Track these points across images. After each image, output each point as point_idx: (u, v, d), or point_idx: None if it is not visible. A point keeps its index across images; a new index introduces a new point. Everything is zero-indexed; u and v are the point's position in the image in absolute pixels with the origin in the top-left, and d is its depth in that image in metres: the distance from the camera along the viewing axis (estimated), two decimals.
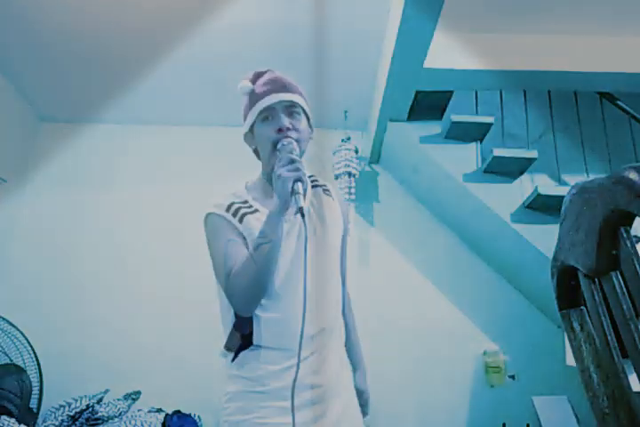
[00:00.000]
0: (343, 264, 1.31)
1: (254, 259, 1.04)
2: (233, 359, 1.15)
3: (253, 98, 1.17)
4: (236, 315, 1.15)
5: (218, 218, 1.16)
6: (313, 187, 1.26)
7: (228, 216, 1.15)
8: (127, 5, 2.46)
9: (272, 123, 1.14)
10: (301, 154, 1.15)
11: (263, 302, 1.11)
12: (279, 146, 1.10)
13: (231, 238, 1.12)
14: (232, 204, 1.17)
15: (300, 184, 1.03)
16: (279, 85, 1.17)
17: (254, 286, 1.06)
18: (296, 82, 1.24)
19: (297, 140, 1.12)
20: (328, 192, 1.28)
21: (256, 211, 1.16)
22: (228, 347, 1.17)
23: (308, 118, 1.22)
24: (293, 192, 1.01)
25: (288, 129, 1.12)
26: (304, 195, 1.04)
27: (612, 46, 2.73)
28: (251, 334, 1.12)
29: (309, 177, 1.25)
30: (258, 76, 1.21)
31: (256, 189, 1.23)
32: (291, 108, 1.16)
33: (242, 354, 1.14)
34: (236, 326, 1.15)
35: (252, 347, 1.12)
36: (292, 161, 1.05)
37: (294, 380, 0.97)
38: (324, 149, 3.28)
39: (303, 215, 0.99)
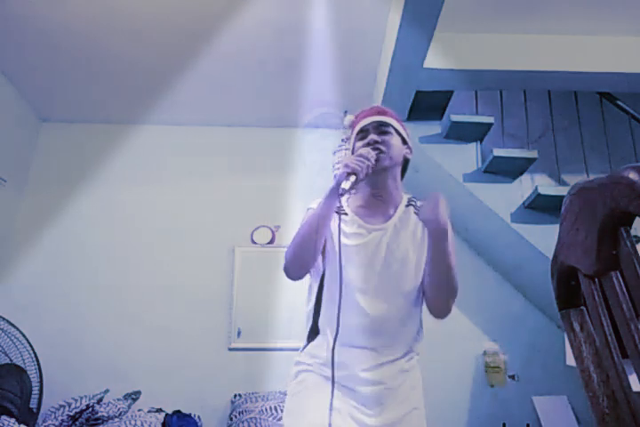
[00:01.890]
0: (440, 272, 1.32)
1: (301, 225, 1.23)
2: None
3: (354, 125, 1.38)
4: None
5: (309, 210, 1.32)
6: (406, 206, 1.35)
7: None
8: (127, 6, 2.46)
9: (365, 140, 1.31)
10: (393, 169, 1.32)
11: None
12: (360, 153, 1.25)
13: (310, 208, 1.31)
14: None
15: (352, 175, 1.17)
16: (373, 111, 1.35)
17: (293, 250, 1.22)
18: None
19: (384, 153, 1.27)
20: (417, 209, 1.35)
21: (345, 214, 1.32)
22: None
23: (402, 138, 1.35)
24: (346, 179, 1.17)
25: (376, 142, 1.28)
26: (353, 185, 1.18)
27: (611, 46, 2.73)
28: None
29: (409, 199, 1.37)
30: (360, 113, 1.40)
31: (355, 199, 1.38)
32: (381, 127, 1.31)
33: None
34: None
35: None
36: (360, 156, 1.20)
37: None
38: (324, 149, 3.28)
39: (341, 195, 1.18)
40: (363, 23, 2.57)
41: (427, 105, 2.92)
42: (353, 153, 1.34)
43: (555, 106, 3.00)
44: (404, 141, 1.36)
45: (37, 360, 2.73)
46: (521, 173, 2.83)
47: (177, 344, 3.04)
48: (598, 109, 2.97)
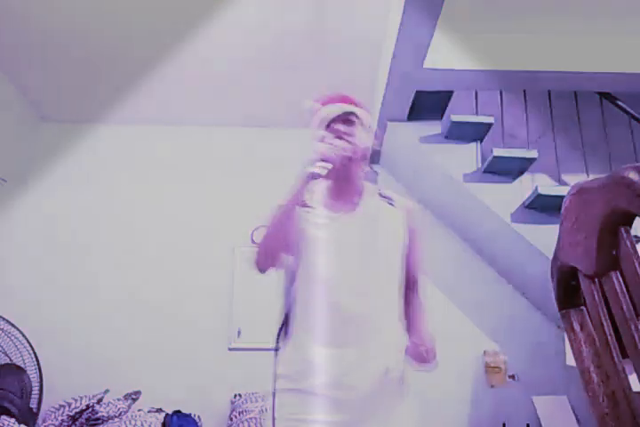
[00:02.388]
0: (410, 271, 1.32)
1: (271, 215, 1.21)
2: None
3: (316, 113, 1.34)
4: None
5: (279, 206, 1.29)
6: (373, 195, 1.35)
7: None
8: (128, 5, 2.46)
9: (329, 129, 1.28)
10: (358, 159, 1.30)
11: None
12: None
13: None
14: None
15: (322, 164, 1.17)
16: (337, 99, 1.33)
17: (264, 240, 1.22)
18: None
19: (350, 143, 1.25)
20: (391, 202, 1.34)
21: (311, 207, 1.28)
22: None
23: (367, 126, 1.34)
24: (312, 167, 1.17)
25: (342, 132, 1.26)
26: (327, 172, 1.18)
27: (612, 46, 2.73)
28: None
29: (375, 188, 1.37)
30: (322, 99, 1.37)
31: (320, 190, 1.36)
32: (347, 117, 1.29)
33: None
34: None
35: None
36: (332, 144, 1.20)
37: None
38: None
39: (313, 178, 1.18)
40: (363, 23, 2.57)
41: (427, 105, 2.92)
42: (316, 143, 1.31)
43: (555, 106, 3.00)
44: (369, 132, 1.35)
45: (37, 360, 2.73)
46: (521, 173, 2.83)
47: (177, 344, 3.04)
48: (598, 109, 2.97)
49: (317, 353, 1.16)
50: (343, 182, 1.31)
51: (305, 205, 1.26)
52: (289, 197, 1.19)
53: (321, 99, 1.36)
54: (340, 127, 1.27)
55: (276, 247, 1.22)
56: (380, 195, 1.35)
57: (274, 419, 1.18)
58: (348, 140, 1.24)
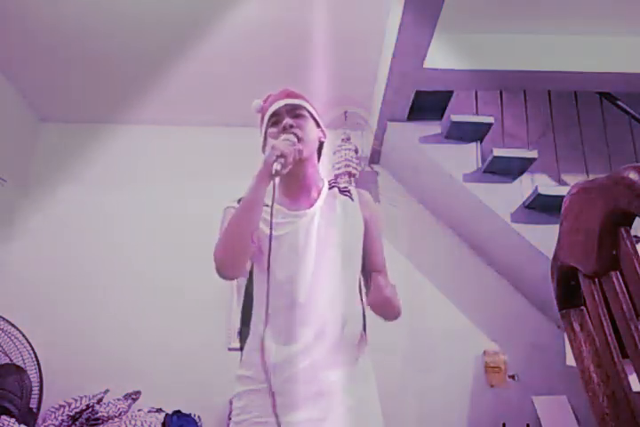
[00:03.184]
0: (374, 256, 1.30)
1: (230, 219, 1.16)
2: None
3: (263, 110, 1.30)
4: None
5: (229, 209, 1.30)
6: (330, 188, 1.31)
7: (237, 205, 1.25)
8: (128, 5, 2.46)
9: (278, 125, 1.24)
10: (310, 154, 1.26)
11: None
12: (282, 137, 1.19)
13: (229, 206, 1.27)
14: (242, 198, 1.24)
15: (280, 160, 1.11)
16: (283, 94, 1.29)
17: (224, 246, 1.14)
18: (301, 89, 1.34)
19: (300, 138, 1.20)
20: (347, 193, 1.31)
21: (267, 205, 1.21)
22: None
23: (315, 121, 1.30)
24: (275, 160, 1.11)
25: (291, 126, 1.21)
26: (284, 168, 1.12)
27: (611, 46, 2.73)
28: None
29: (330, 181, 1.34)
30: (268, 96, 1.34)
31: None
32: (294, 111, 1.25)
33: None
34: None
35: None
36: (287, 140, 1.16)
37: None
38: (324, 149, 3.28)
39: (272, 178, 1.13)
40: (363, 23, 2.57)
41: (427, 105, 2.92)
42: (265, 139, 1.29)
43: (555, 106, 3.00)
44: (318, 124, 1.31)
45: (37, 360, 2.73)
46: (521, 173, 2.83)
47: (177, 344, 3.04)
48: (598, 109, 2.97)
49: (275, 352, 1.14)
50: (298, 178, 1.27)
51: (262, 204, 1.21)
52: (250, 197, 1.15)
53: (267, 97, 1.32)
54: (289, 121, 1.22)
55: (243, 250, 1.15)
56: (339, 189, 1.32)
57: (235, 423, 1.18)
58: (296, 134, 1.20)
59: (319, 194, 1.28)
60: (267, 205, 1.19)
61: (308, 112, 1.28)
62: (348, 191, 1.33)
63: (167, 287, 3.16)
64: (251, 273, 1.25)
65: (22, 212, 3.29)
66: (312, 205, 1.25)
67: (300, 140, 1.19)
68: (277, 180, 1.20)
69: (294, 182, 1.27)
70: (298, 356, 1.13)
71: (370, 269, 1.29)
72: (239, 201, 1.24)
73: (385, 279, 1.26)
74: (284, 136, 1.18)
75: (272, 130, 1.25)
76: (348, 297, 1.23)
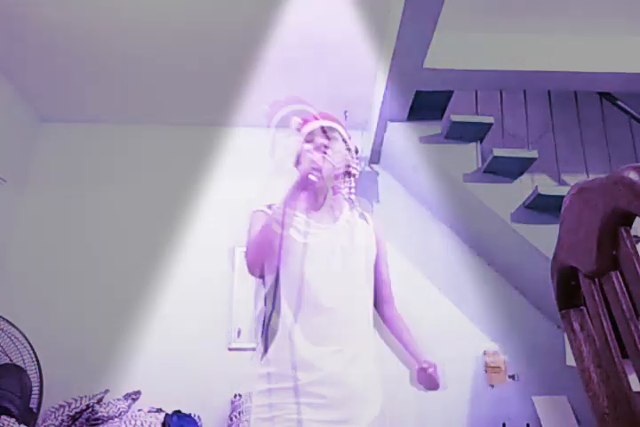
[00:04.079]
0: (383, 285, 1.42)
1: (265, 223, 1.26)
2: None
3: (301, 127, 1.43)
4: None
5: (258, 212, 1.39)
6: (350, 209, 1.44)
7: (267, 210, 1.37)
8: (128, 5, 2.46)
9: (312, 143, 1.36)
10: (337, 173, 1.38)
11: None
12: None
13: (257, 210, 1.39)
14: (272, 204, 1.37)
15: (316, 173, 1.22)
16: (320, 116, 1.43)
17: (256, 247, 1.26)
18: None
19: (330, 157, 1.32)
20: (363, 216, 1.44)
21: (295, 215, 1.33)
22: None
23: (346, 144, 1.42)
24: (310, 177, 1.22)
25: (324, 146, 1.34)
26: (318, 181, 1.23)
27: (612, 46, 2.73)
28: None
29: (350, 203, 1.46)
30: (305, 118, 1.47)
31: (302, 201, 1.41)
32: (328, 132, 1.38)
33: None
34: None
35: None
36: (323, 158, 1.27)
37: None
38: None
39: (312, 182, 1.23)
40: (363, 23, 2.57)
41: (427, 105, 2.92)
42: (300, 155, 1.38)
43: (555, 106, 3.00)
44: (348, 147, 1.43)
45: (37, 360, 2.73)
46: (521, 173, 2.83)
47: (177, 344, 3.04)
48: (598, 109, 2.97)
49: (303, 351, 1.19)
50: (325, 195, 1.39)
51: (292, 212, 1.30)
52: (288, 200, 1.24)
53: (304, 117, 1.45)
54: (323, 141, 1.35)
55: (272, 251, 1.25)
56: (352, 207, 1.44)
57: (264, 420, 1.19)
58: (329, 154, 1.32)
59: (341, 213, 1.40)
60: (296, 214, 1.31)
61: (340, 135, 1.40)
62: (363, 214, 1.45)
63: (168, 287, 3.17)
64: (277, 276, 1.31)
65: (22, 212, 3.29)
66: (336, 222, 1.37)
67: (329, 159, 1.30)
68: (307, 194, 1.35)
69: (322, 198, 1.39)
70: (325, 357, 1.20)
71: (381, 297, 1.41)
72: (269, 207, 1.37)
73: (400, 316, 1.46)
74: (317, 154, 1.29)
75: (306, 146, 1.35)
76: (363, 305, 1.33)
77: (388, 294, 1.44)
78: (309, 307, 1.23)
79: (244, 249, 1.31)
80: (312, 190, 1.33)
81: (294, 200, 1.25)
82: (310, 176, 1.21)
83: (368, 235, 1.40)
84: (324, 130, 1.37)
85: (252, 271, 1.29)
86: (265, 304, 1.30)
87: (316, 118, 1.41)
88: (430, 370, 1.36)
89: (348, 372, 1.21)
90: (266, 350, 1.24)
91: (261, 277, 1.31)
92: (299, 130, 1.42)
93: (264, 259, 1.27)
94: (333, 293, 1.25)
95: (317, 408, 1.16)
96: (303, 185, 1.24)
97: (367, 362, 1.28)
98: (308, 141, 1.37)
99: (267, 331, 1.26)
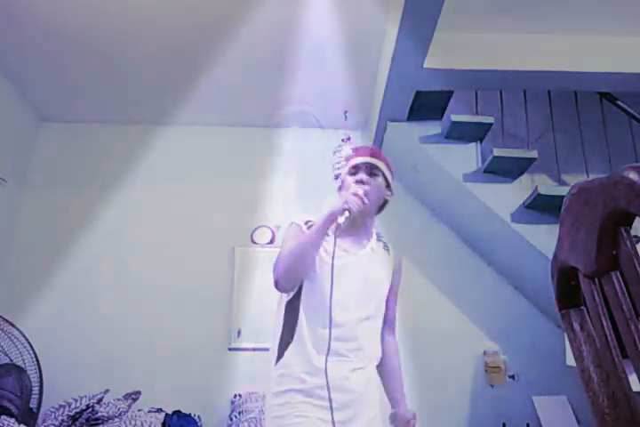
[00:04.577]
0: (389, 311, 1.54)
1: (296, 245, 1.39)
2: None
3: (350, 159, 1.57)
4: None
5: (295, 225, 1.50)
6: (377, 240, 1.56)
7: (303, 226, 1.49)
8: (128, 5, 2.46)
9: (355, 176, 1.50)
10: (374, 208, 1.51)
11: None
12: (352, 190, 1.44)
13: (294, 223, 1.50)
14: (309, 221, 1.49)
15: (347, 211, 1.36)
16: (368, 152, 1.55)
17: (287, 267, 1.38)
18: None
19: (367, 194, 1.42)
20: (387, 247, 1.58)
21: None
22: None
23: (387, 181, 1.54)
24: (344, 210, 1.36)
25: (364, 183, 1.46)
26: (346, 220, 1.37)
27: (612, 46, 2.73)
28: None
29: (377, 234, 1.58)
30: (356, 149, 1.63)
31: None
32: (371, 169, 1.50)
33: None
34: None
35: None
36: (356, 194, 1.39)
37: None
38: (324, 149, 3.28)
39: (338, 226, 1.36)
40: (363, 23, 2.57)
41: (427, 105, 2.92)
42: (342, 184, 1.53)
43: (555, 106, 3.00)
44: (388, 185, 1.55)
45: (37, 360, 2.73)
46: (521, 173, 2.83)
47: (177, 344, 3.04)
48: (598, 109, 2.97)
49: (317, 360, 1.31)
50: (357, 226, 1.49)
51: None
52: (315, 234, 1.37)
53: (355, 148, 1.60)
54: (364, 177, 1.47)
55: (303, 273, 1.39)
56: (378, 238, 1.57)
57: (276, 417, 1.32)
58: (366, 190, 1.42)
59: (369, 241, 1.52)
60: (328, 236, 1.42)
61: (382, 173, 1.52)
62: (385, 242, 1.59)
63: (168, 287, 3.17)
64: (299, 289, 1.44)
65: (22, 212, 3.29)
66: (363, 249, 1.50)
67: (367, 195, 1.41)
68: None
69: (353, 228, 1.48)
70: (332, 366, 1.30)
71: (384, 320, 1.51)
72: (306, 223, 1.48)
73: (395, 341, 1.55)
74: (354, 187, 1.42)
75: (349, 178, 1.50)
76: (376, 325, 1.47)
77: (391, 320, 1.55)
78: (324, 322, 1.33)
79: (276, 262, 1.40)
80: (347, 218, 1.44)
81: (325, 230, 1.37)
82: (340, 218, 1.35)
83: (388, 265, 1.54)
84: (367, 166, 1.50)
85: (279, 286, 1.40)
86: (284, 312, 1.43)
87: (366, 153, 1.54)
88: (412, 422, 1.44)
89: (351, 379, 1.34)
90: (281, 355, 1.38)
91: (287, 292, 1.43)
92: (347, 160, 1.56)
93: (291, 278, 1.39)
94: (348, 313, 1.37)
95: (323, 409, 1.27)
96: (333, 220, 1.36)
97: (369, 370, 1.41)
98: (351, 174, 1.50)
99: (284, 338, 1.39)
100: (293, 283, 1.40)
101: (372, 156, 1.53)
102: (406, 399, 1.50)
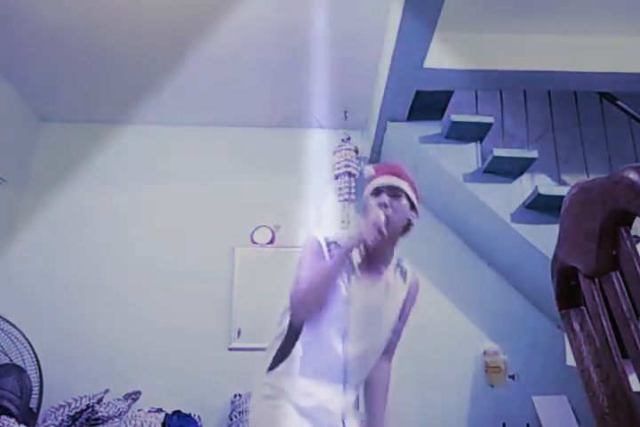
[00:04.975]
0: (392, 338, 1.51)
1: (315, 274, 1.35)
2: None
3: (371, 179, 1.50)
4: None
5: (316, 244, 1.44)
6: (396, 267, 1.50)
7: (323, 244, 1.43)
8: (128, 6, 2.46)
9: (377, 198, 1.43)
10: (396, 233, 1.43)
11: None
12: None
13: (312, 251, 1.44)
14: (329, 241, 1.44)
15: (362, 245, 1.36)
16: (391, 171, 1.48)
17: (304, 297, 1.35)
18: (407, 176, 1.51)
19: (389, 217, 1.37)
20: (404, 274, 1.51)
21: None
22: None
23: (411, 202, 1.45)
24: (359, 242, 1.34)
25: (386, 205, 1.40)
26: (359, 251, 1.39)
27: (612, 46, 2.73)
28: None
29: (398, 259, 1.52)
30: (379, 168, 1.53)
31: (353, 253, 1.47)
32: (394, 190, 1.43)
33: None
34: None
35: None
36: (375, 223, 1.33)
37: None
38: (324, 149, 3.28)
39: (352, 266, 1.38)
40: (363, 23, 2.57)
41: (427, 105, 2.92)
42: (365, 207, 1.46)
43: (555, 106, 3.00)
44: (413, 206, 1.46)
45: (37, 360, 2.73)
46: (521, 173, 2.83)
47: (177, 344, 3.04)
48: (598, 109, 2.97)
49: (304, 381, 1.33)
50: (377, 252, 1.43)
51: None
52: (333, 266, 1.34)
53: (377, 167, 1.53)
54: (386, 199, 1.40)
55: (322, 303, 1.34)
56: (401, 270, 1.51)
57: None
58: (387, 214, 1.37)
59: (387, 269, 1.46)
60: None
61: (406, 195, 1.44)
62: (403, 268, 1.52)
63: (168, 287, 3.17)
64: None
65: (22, 212, 3.29)
66: (379, 278, 1.44)
67: (388, 220, 1.36)
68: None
69: (371, 252, 1.43)
70: (318, 389, 1.33)
71: (385, 349, 1.49)
72: (329, 245, 1.42)
73: (389, 368, 1.54)
74: (375, 212, 1.36)
75: (371, 199, 1.43)
76: (375, 356, 1.46)
77: (392, 348, 1.53)
78: (321, 348, 1.34)
79: (295, 285, 1.36)
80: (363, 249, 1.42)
81: (342, 261, 1.34)
82: (353, 252, 1.36)
83: (401, 294, 1.49)
84: (390, 188, 1.43)
85: (294, 316, 1.36)
86: (288, 326, 1.40)
87: (388, 172, 1.47)
88: None
89: (334, 402, 1.34)
90: (274, 366, 1.37)
91: (302, 321, 1.37)
92: (369, 180, 1.49)
93: (308, 308, 1.35)
94: (351, 345, 1.36)
95: (306, 421, 1.30)
96: (349, 252, 1.34)
97: (352, 393, 1.41)
98: (373, 194, 1.44)
99: (280, 351, 1.38)
100: (308, 314, 1.37)
101: (395, 175, 1.47)
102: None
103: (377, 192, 1.44)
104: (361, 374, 1.42)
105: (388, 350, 1.51)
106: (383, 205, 1.39)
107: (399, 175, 1.47)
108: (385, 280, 1.44)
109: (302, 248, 1.46)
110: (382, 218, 1.34)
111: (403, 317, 1.52)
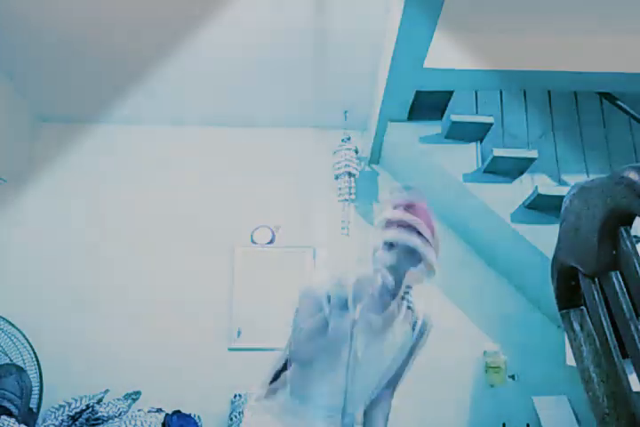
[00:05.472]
0: (397, 375, 1.47)
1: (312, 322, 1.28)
2: None
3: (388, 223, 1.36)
4: None
5: (312, 298, 1.34)
6: (402, 298, 1.43)
7: (324, 297, 1.31)
8: (127, 6, 2.46)
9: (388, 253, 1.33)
10: (396, 286, 1.36)
11: None
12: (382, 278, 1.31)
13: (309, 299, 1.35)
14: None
15: (359, 305, 1.26)
16: (407, 205, 1.36)
17: (305, 347, 1.30)
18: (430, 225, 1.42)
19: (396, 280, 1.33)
20: (411, 308, 1.45)
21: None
22: None
23: (422, 237, 1.38)
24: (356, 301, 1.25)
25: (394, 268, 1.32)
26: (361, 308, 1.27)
27: (612, 46, 2.73)
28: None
29: (407, 287, 1.45)
30: (407, 206, 1.38)
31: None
32: (407, 249, 1.34)
33: None
34: None
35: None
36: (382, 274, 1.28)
37: None
38: (324, 149, 3.28)
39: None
40: (363, 23, 2.57)
41: (427, 105, 2.92)
42: (374, 253, 1.36)
43: (555, 106, 3.00)
44: (428, 242, 1.41)
45: (37, 360, 2.73)
46: (521, 173, 2.83)
47: (177, 344, 3.04)
48: (598, 109, 2.97)
49: (292, 405, 1.33)
50: (388, 298, 1.38)
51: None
52: (336, 325, 1.26)
53: (395, 199, 1.41)
54: (394, 259, 1.32)
55: (319, 349, 1.29)
56: (404, 295, 1.43)
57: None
58: (395, 278, 1.32)
59: (394, 300, 1.39)
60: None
61: (417, 231, 1.36)
62: (412, 306, 1.46)
63: (168, 287, 3.17)
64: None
65: (22, 212, 3.29)
66: (385, 310, 1.37)
67: (394, 282, 1.32)
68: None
69: (380, 300, 1.36)
70: (305, 413, 1.32)
71: (387, 383, 1.45)
72: (327, 294, 1.31)
73: (390, 403, 1.51)
74: (381, 258, 1.30)
75: (381, 253, 1.32)
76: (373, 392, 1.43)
77: (395, 385, 1.49)
78: (327, 384, 1.31)
79: (293, 345, 1.32)
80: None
81: (347, 319, 1.25)
82: (355, 314, 1.27)
83: (406, 325, 1.43)
84: (404, 223, 1.34)
85: (294, 357, 1.32)
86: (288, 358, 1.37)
87: (408, 207, 1.36)
88: None
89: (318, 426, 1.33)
90: (270, 381, 1.38)
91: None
92: (383, 213, 1.41)
93: (314, 354, 1.29)
94: (353, 383, 1.32)
95: None
96: (360, 301, 1.27)
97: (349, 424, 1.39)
98: (386, 246, 1.35)
99: (278, 371, 1.37)
100: (313, 357, 1.32)
101: (414, 209, 1.36)
102: None
103: (389, 246, 1.33)
104: (359, 405, 1.40)
105: (392, 386, 1.48)
106: (392, 268, 1.32)
107: (419, 211, 1.37)
108: (389, 311, 1.38)
109: (299, 302, 1.37)
110: (389, 281, 1.29)
111: (411, 359, 1.48)
